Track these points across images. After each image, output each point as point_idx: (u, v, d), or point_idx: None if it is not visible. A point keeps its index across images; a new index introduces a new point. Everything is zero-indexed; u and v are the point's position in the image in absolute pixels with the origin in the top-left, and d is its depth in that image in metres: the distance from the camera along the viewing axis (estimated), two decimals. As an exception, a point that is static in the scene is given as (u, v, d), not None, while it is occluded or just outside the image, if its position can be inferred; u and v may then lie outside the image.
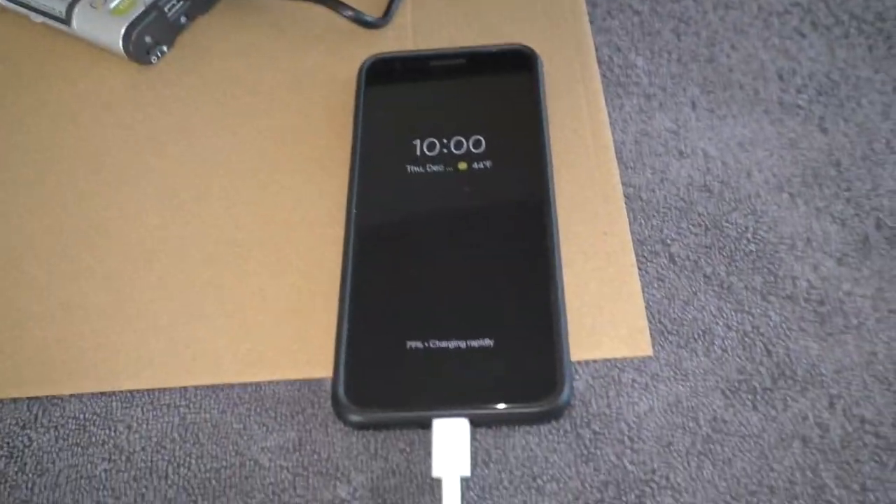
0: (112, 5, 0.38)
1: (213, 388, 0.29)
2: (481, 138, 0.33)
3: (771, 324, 0.29)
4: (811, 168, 0.32)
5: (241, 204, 0.34)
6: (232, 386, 0.29)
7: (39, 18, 0.40)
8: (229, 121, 0.37)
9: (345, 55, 0.38)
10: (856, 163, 0.32)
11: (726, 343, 0.28)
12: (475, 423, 0.27)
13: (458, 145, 0.33)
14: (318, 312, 0.31)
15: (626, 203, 0.32)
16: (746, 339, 0.28)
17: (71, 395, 0.29)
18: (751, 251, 0.30)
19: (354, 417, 0.27)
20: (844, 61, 0.35)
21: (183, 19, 0.40)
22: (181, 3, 0.39)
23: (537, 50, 0.36)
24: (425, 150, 0.33)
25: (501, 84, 0.35)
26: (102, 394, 0.29)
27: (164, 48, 0.39)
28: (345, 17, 0.38)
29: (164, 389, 0.29)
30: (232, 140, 0.36)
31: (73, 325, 0.31)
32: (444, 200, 0.32)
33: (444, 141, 0.33)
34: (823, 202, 0.31)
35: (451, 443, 0.26)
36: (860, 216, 0.31)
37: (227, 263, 0.32)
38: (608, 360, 0.28)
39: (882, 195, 0.31)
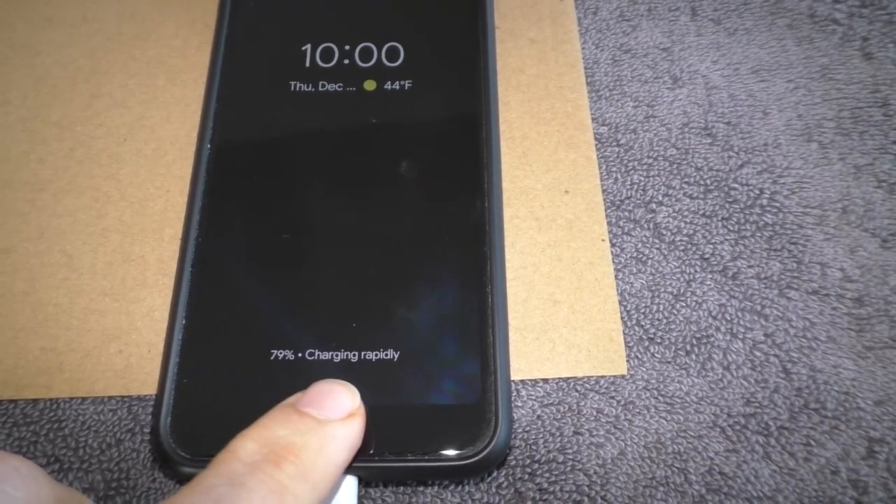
0: None
1: (-12, 405, 0.20)
2: (399, 47, 0.23)
3: (791, 331, 0.20)
4: (850, 109, 0.24)
5: (48, 124, 0.23)
6: (14, 401, 0.20)
7: None
8: (45, 2, 0.26)
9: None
10: (908, 104, 0.24)
11: (729, 358, 0.20)
12: (367, 481, 0.18)
13: (366, 55, 0.23)
14: (149, 296, 0.21)
15: (596, 149, 0.23)
16: (757, 352, 0.20)
17: None
18: (766, 224, 0.22)
19: (182, 467, 0.18)
20: (894, -38, 0.26)
21: None
22: None
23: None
24: (318, 59, 0.23)
25: (431, -32, 0.25)
26: None
27: None
28: None
29: None
30: (43, 27, 0.25)
31: None
32: (339, 135, 0.22)
33: (347, 48, 0.23)
34: (866, 158, 0.23)
35: (328, 510, 0.17)
36: (914, 179, 0.22)
37: (20, 215, 0.22)
38: (564, 380, 0.20)
39: (942, 151, 0.23)
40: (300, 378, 0.18)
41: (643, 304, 0.21)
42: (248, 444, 0.15)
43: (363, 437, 0.17)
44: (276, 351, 0.19)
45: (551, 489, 0.19)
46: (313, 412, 0.16)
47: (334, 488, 0.17)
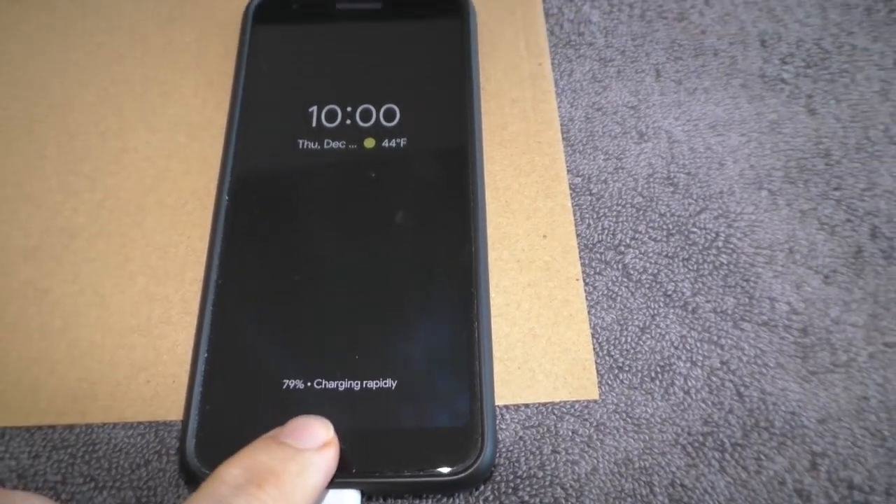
0: None
1: (29, 429, 0.22)
2: (395, 108, 0.26)
3: (744, 358, 0.23)
4: (796, 159, 0.26)
5: (80, 177, 0.26)
6: (53, 427, 0.22)
7: None
8: (75, 64, 0.29)
9: (229, -11, 0.30)
10: (848, 154, 0.26)
11: (689, 383, 0.23)
12: (368, 494, 0.21)
13: (366, 116, 0.26)
14: (173, 332, 0.23)
15: (571, 197, 0.26)
16: (714, 378, 0.23)
17: None
18: (721, 264, 0.24)
19: (207, 484, 0.20)
20: (838, 26, 0.29)
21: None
22: None
23: (471, -5, 0.29)
24: (323, 120, 0.26)
25: (423, 38, 0.28)
26: None
27: (-6, -33, 0.30)
28: (229, -62, 0.30)
29: (-41, 433, 0.22)
30: (76, 89, 0.28)
31: None
32: (342, 188, 0.25)
33: (349, 109, 0.26)
34: (809, 203, 0.26)
35: (334, 521, 0.19)
36: (853, 222, 0.25)
37: (55, 259, 0.25)
38: (543, 405, 0.22)
39: (879, 196, 0.26)
40: (309, 404, 0.21)
41: (613, 337, 0.23)
42: (232, 470, 0.17)
43: (359, 459, 0.19)
44: (287, 380, 0.21)
45: (532, 501, 0.21)
46: (292, 442, 0.18)
47: None
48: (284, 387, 0.21)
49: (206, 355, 0.22)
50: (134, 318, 0.24)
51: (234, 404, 0.21)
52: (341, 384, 0.21)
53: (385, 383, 0.21)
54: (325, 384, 0.21)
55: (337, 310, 0.22)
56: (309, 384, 0.21)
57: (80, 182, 0.26)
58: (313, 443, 0.18)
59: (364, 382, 0.21)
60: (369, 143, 0.25)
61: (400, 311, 0.22)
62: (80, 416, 0.22)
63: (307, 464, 0.18)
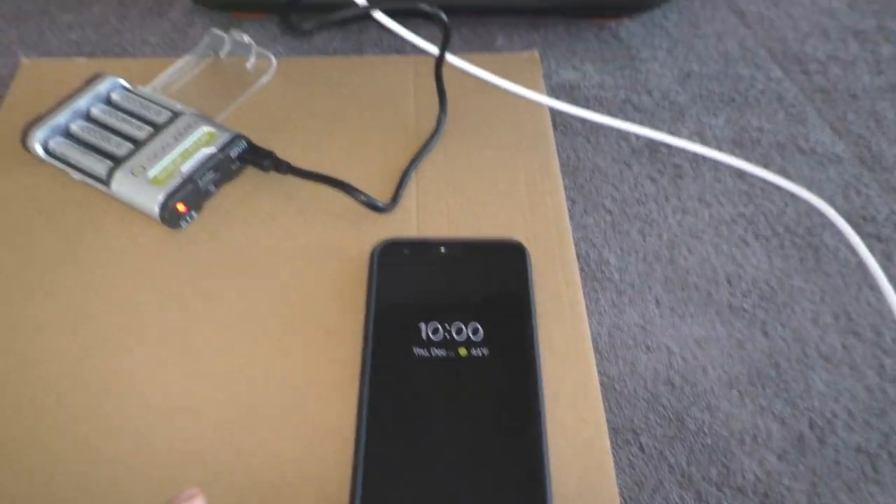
0: (151, 174, 0.43)
1: (231, 552, 0.32)
2: (479, 326, 0.38)
3: (724, 513, 0.33)
4: (755, 368, 0.38)
5: (256, 367, 0.38)
6: (249, 551, 0.32)
7: (78, 176, 0.44)
8: (249, 285, 0.41)
9: (356, 233, 0.44)
10: (792, 365, 0.38)
11: (687, 529, 0.33)
12: None
13: (459, 331, 0.38)
14: (330, 482, 0.34)
15: (602, 392, 0.37)
16: (703, 526, 0.33)
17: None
18: (707, 444, 0.35)
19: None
20: (781, 270, 0.42)
21: (212, 188, 0.44)
22: (213, 175, 0.44)
23: (522, 240, 0.42)
24: (430, 334, 0.38)
25: (496, 275, 0.40)
26: (127, 554, 0.32)
27: (194, 213, 0.44)
28: (358, 200, 0.44)
29: (186, 553, 0.32)
30: (251, 303, 0.40)
31: (89, 482, 0.34)
32: (446, 385, 0.36)
33: (447, 326, 0.38)
34: (766, 401, 0.37)
35: None
36: (796, 416, 0.36)
37: (243, 427, 0.36)
38: (587, 541, 0.33)
39: (813, 397, 0.37)
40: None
41: (633, 495, 0.34)
42: None
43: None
44: (416, 519, 0.32)
45: None
46: None
47: None
48: (414, 523, 0.32)
49: (360, 492, 0.32)
50: (303, 471, 0.34)
51: (380, 536, 0.31)
52: (451, 518, 0.32)
53: (482, 520, 0.32)
54: (440, 519, 0.32)
55: (447, 463, 0.33)
56: (430, 520, 0.32)
57: (257, 371, 0.38)
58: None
59: (467, 517, 0.32)
60: (462, 351, 0.37)
61: (489, 464, 0.33)
62: (268, 543, 0.32)
63: None
